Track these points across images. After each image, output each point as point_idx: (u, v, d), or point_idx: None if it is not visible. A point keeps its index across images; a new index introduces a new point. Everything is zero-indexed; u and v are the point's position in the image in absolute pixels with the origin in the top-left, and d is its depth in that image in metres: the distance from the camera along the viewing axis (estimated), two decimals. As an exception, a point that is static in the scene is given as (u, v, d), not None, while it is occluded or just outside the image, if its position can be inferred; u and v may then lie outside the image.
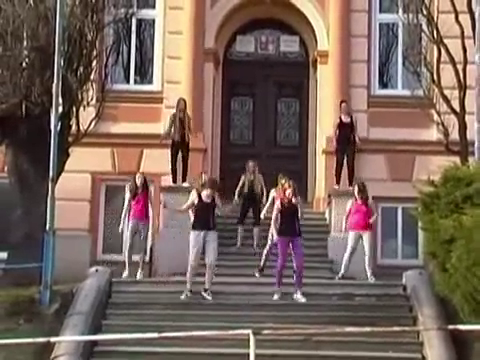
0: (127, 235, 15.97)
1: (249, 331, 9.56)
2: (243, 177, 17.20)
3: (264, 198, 16.81)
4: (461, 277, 11.89)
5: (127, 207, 15.98)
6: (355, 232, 15.61)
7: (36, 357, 12.44)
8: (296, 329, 12.44)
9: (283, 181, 15.56)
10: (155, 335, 10.79)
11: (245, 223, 16.98)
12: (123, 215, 15.99)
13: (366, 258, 15.54)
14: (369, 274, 15.51)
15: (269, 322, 12.97)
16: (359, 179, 16.95)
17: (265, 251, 15.55)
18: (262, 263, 15.51)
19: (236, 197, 17.08)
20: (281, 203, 14.42)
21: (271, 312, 13.79)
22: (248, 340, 9.55)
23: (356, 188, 15.82)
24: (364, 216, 15.60)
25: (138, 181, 16.09)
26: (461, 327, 10.64)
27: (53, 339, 11.69)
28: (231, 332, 10.89)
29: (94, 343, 12.86)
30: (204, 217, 14.16)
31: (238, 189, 17.12)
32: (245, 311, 13.79)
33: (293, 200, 14.36)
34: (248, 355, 9.62)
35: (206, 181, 14.94)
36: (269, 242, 15.46)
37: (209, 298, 14.06)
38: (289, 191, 14.40)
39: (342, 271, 15.61)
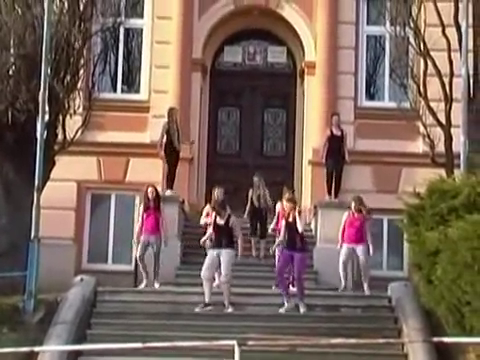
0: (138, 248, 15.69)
1: (234, 342, 9.54)
2: (250, 192, 17.21)
3: (270, 213, 16.86)
4: (446, 289, 11.91)
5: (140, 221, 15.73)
6: (347, 246, 15.60)
7: (19, 366, 12.35)
8: (281, 340, 12.42)
9: (287, 195, 15.61)
10: (139, 345, 10.74)
11: (257, 235, 17.03)
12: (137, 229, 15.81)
13: (362, 273, 15.55)
14: (366, 287, 15.50)
15: (254, 333, 12.94)
16: (341, 192, 16.99)
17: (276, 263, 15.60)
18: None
19: (245, 215, 17.10)
20: (285, 219, 14.55)
21: (256, 323, 13.76)
22: (233, 351, 9.53)
23: (353, 203, 15.78)
24: (358, 230, 15.58)
25: (150, 195, 15.82)
26: (446, 339, 10.65)
27: (37, 349, 11.64)
28: (216, 343, 10.88)
29: (78, 353, 12.79)
30: (219, 237, 14.41)
31: (248, 205, 17.11)
32: (230, 321, 13.77)
33: (291, 215, 14.40)
34: (233, 366, 9.59)
35: (216, 202, 15.14)
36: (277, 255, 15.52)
37: (229, 311, 14.14)
38: (286, 206, 14.54)
39: (342, 284, 15.55)
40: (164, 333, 13.10)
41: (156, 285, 15.56)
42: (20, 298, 14.13)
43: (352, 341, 11.43)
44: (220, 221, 14.48)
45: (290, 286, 14.61)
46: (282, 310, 14.21)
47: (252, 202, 17.09)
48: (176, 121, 17.50)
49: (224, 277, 14.24)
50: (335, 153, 17.67)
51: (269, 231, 16.40)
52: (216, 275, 14.83)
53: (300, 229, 14.44)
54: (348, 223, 15.67)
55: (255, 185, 17.20)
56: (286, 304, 14.24)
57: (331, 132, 17.83)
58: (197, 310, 14.09)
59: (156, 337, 12.42)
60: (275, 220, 16.10)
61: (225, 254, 14.26)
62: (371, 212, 15.95)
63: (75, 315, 13.66)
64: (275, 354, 12.54)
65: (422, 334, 13.17)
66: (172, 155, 17.35)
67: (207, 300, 14.15)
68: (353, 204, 15.73)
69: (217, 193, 15.99)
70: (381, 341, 11.86)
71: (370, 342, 11.71)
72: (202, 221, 15.96)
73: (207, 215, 15.78)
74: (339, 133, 17.82)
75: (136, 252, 15.83)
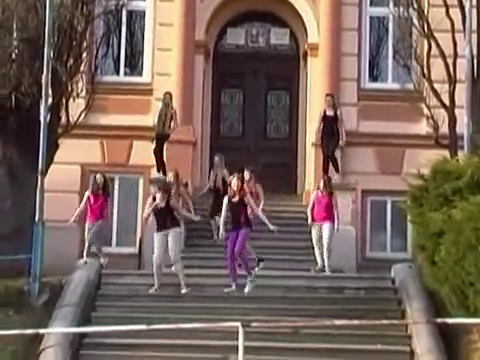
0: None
1: (238, 323, 9.58)
2: (212, 173, 17.26)
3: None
4: (450, 270, 11.93)
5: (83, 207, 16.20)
6: (316, 224, 15.67)
7: (25, 349, 12.41)
8: (285, 322, 12.47)
9: (246, 174, 15.51)
10: (144, 327, 10.79)
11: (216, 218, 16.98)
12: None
13: (324, 249, 15.52)
14: (326, 264, 15.44)
15: (258, 314, 12.98)
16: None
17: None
18: (255, 255, 15.47)
19: (204, 190, 17.15)
20: (228, 198, 14.45)
21: (260, 304, 13.79)
22: (237, 332, 9.56)
23: (321, 180, 15.91)
24: (325, 208, 15.63)
25: (98, 181, 16.22)
26: (449, 320, 10.68)
27: (42, 331, 11.68)
28: (220, 324, 10.93)
29: (83, 335, 12.84)
30: (161, 219, 14.34)
31: (208, 185, 17.18)
32: (234, 303, 13.80)
33: (237, 196, 14.30)
34: (237, 347, 9.63)
35: (161, 183, 15.04)
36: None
37: (184, 291, 14.13)
38: (234, 182, 14.38)
39: (318, 265, 15.59)
40: (168, 315, 13.14)
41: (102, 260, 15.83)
42: (25, 281, 14.18)
43: (355, 322, 11.46)
44: (161, 203, 14.34)
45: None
46: (232, 288, 14.14)
47: (212, 182, 17.04)
48: (168, 105, 17.50)
49: (173, 257, 14.20)
50: (328, 133, 17.63)
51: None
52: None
53: (254, 207, 14.38)
54: (316, 201, 15.71)
55: (215, 165, 17.14)
56: (233, 286, 14.18)
57: (324, 113, 17.80)
58: (150, 292, 14.11)
59: (160, 319, 12.46)
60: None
61: (172, 234, 14.20)
62: (332, 191, 15.94)
63: (80, 298, 13.71)
64: (279, 336, 12.61)
65: (426, 315, 13.20)
66: (158, 138, 17.36)
67: (158, 284, 14.19)
68: (321, 182, 15.83)
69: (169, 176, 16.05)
70: (385, 322, 11.87)
71: (374, 323, 11.74)
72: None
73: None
74: (332, 113, 17.77)
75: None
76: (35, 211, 14.42)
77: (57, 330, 12.65)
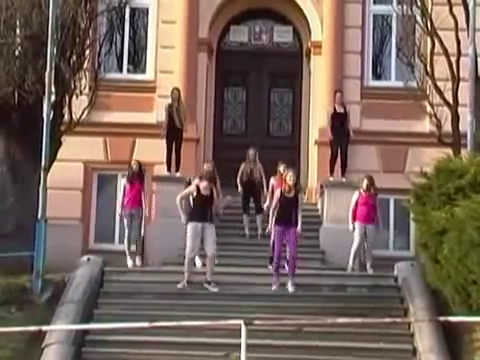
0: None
1: (241, 321, 9.58)
2: (243, 165, 17.13)
3: (264, 187, 16.77)
4: (452, 268, 11.93)
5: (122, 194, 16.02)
6: (361, 225, 15.58)
7: (27, 346, 12.44)
8: (287, 320, 12.47)
9: (282, 169, 15.54)
10: (146, 324, 10.80)
11: (249, 212, 16.89)
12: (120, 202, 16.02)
13: (367, 250, 15.55)
14: (368, 266, 15.53)
15: (261, 312, 12.99)
16: (348, 172, 16.98)
17: (271, 242, 15.56)
18: (272, 254, 15.49)
19: (239, 187, 16.97)
20: (281, 192, 14.35)
21: (263, 302, 13.81)
22: (240, 330, 9.57)
23: (365, 181, 15.75)
24: (370, 209, 15.57)
25: (134, 167, 16.06)
26: (452, 319, 10.70)
27: (45, 328, 11.68)
28: (223, 322, 10.93)
29: (86, 332, 12.86)
30: (201, 209, 14.11)
31: (238, 178, 17.02)
32: (237, 301, 13.81)
33: (293, 192, 14.26)
34: (239, 345, 9.64)
35: (204, 173, 14.82)
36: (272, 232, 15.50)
37: (214, 289, 14.04)
38: (289, 178, 14.25)
39: (350, 263, 15.56)
40: (171, 312, 13.15)
41: (138, 262, 15.70)
42: (28, 278, 14.20)
43: (358, 321, 11.46)
44: (204, 192, 14.15)
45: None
46: (274, 288, 14.13)
47: (242, 174, 16.89)
48: (179, 101, 17.47)
49: (213, 253, 14.03)
50: (339, 131, 17.60)
51: (264, 208, 16.27)
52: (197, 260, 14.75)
53: (300, 207, 14.33)
54: (361, 202, 15.62)
55: (250, 158, 17.06)
56: (276, 285, 14.18)
57: (334, 110, 17.78)
58: (179, 286, 14.05)
59: (163, 317, 12.48)
60: (269, 196, 15.98)
61: (210, 229, 14.04)
62: (377, 191, 15.94)
63: (82, 295, 13.73)
64: (281, 334, 12.61)
65: (428, 313, 13.21)
66: (175, 136, 17.33)
67: (188, 278, 14.08)
68: (365, 182, 15.69)
69: (206, 167, 15.83)
70: (387, 320, 11.88)
71: (376, 321, 11.77)
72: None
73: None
74: (342, 110, 17.75)
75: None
76: (38, 208, 14.43)
77: (60, 327, 12.66)
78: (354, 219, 15.65)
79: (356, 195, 15.78)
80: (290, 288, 14.14)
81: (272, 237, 14.87)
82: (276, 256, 14.23)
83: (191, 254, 14.13)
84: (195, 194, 14.28)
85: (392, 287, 14.66)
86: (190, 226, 14.13)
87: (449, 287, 12.21)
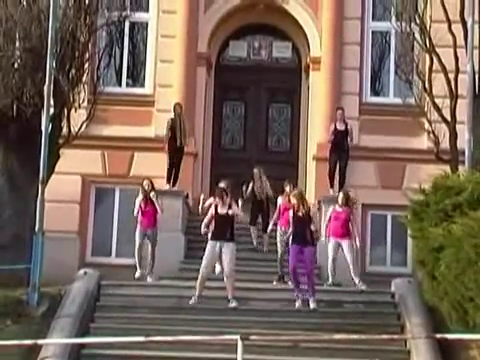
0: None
1: (237, 336, 9.56)
2: (251, 184, 17.13)
3: (272, 203, 16.81)
4: (449, 285, 11.91)
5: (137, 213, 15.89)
6: (334, 240, 15.60)
7: (23, 359, 12.37)
8: (284, 335, 12.44)
9: (288, 189, 15.58)
10: (142, 339, 10.77)
11: (257, 227, 16.98)
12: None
13: (350, 267, 15.47)
14: (357, 282, 15.48)
15: (258, 328, 12.96)
16: (345, 187, 17.00)
17: (278, 258, 15.58)
18: (280, 271, 15.52)
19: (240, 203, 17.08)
20: (294, 212, 14.40)
21: (259, 318, 13.78)
22: (236, 345, 9.54)
23: (341, 195, 15.81)
24: (343, 224, 15.57)
25: (146, 187, 15.91)
26: (449, 336, 10.66)
27: (40, 341, 11.66)
28: (219, 337, 10.90)
29: (81, 346, 12.82)
30: (222, 229, 14.05)
31: (247, 194, 17.03)
32: (233, 316, 13.78)
33: (302, 210, 14.29)
34: (236, 360, 9.61)
35: (219, 191, 14.61)
36: (279, 250, 15.50)
37: (234, 305, 13.98)
38: (294, 197, 14.36)
39: (330, 279, 15.59)
40: (167, 327, 13.12)
41: (149, 279, 15.62)
42: (24, 291, 14.16)
43: (355, 337, 11.44)
44: (222, 211, 14.15)
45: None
46: (298, 304, 14.08)
47: (254, 193, 16.97)
48: (180, 116, 17.52)
49: (228, 272, 14.04)
50: (339, 147, 17.67)
51: (270, 226, 16.30)
52: (217, 265, 14.70)
53: (313, 225, 14.35)
54: (333, 216, 15.66)
55: (256, 176, 17.14)
56: (299, 301, 14.12)
57: (335, 126, 17.82)
58: (190, 302, 14.01)
59: (159, 331, 12.44)
60: (276, 215, 16.02)
61: (229, 248, 14.03)
62: (356, 205, 15.88)
63: (78, 308, 13.69)
64: (278, 349, 12.57)
65: (425, 330, 13.17)
66: (176, 151, 17.36)
67: (199, 293, 14.03)
68: (340, 197, 15.73)
69: (222, 183, 15.76)
70: (384, 337, 11.87)
71: (373, 338, 11.74)
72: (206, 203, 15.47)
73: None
74: (343, 127, 17.80)
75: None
76: (35, 221, 14.41)
77: (55, 341, 12.61)
78: (328, 234, 15.66)
79: (330, 210, 15.82)
80: (312, 304, 14.05)
81: (279, 255, 15.21)
82: (292, 274, 14.17)
83: (204, 271, 14.05)
84: (213, 213, 14.17)
85: (389, 303, 14.63)
86: (209, 244, 14.12)
87: (446, 304, 12.19)
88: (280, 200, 16.07)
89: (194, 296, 14.03)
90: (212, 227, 14.32)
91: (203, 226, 14.46)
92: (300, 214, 14.30)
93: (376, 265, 18.55)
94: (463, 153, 15.03)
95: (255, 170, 17.23)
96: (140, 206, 15.81)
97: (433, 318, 13.42)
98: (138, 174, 18.43)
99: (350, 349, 12.70)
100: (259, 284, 15.02)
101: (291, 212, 14.49)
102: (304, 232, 14.22)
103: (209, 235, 14.29)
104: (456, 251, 11.72)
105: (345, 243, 15.48)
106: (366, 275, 17.86)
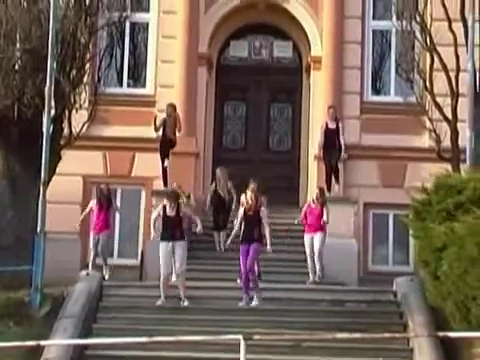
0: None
1: (240, 336, 9.55)
2: (213, 185, 17.27)
3: (234, 203, 16.85)
4: (452, 285, 11.90)
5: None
6: (308, 235, 15.70)
7: (26, 360, 12.38)
8: (286, 335, 12.43)
9: (252, 186, 15.56)
10: (145, 339, 10.76)
11: (221, 228, 16.98)
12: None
13: (315, 255, 15.54)
14: (318, 269, 15.47)
15: (260, 327, 12.95)
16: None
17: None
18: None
19: (207, 207, 17.21)
20: (244, 211, 14.45)
21: (262, 317, 13.76)
22: (239, 345, 9.54)
23: (316, 191, 16.01)
24: (316, 218, 15.67)
25: (105, 192, 16.41)
26: (451, 334, 10.64)
27: (43, 342, 11.65)
28: (222, 337, 10.89)
29: (84, 347, 12.81)
30: (170, 229, 14.25)
31: (209, 196, 17.20)
32: (235, 316, 13.78)
33: (252, 209, 14.30)
34: (239, 360, 9.60)
35: (169, 192, 14.99)
36: None
37: (185, 304, 14.10)
38: (249, 196, 14.41)
39: (311, 277, 15.61)
40: (170, 327, 13.12)
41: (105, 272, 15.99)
42: (26, 292, 14.16)
43: (357, 336, 11.42)
44: (171, 213, 14.30)
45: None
46: (242, 304, 14.09)
47: (217, 194, 17.01)
48: (172, 115, 17.47)
49: (179, 269, 14.16)
50: (330, 146, 17.62)
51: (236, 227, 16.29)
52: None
53: (265, 224, 14.35)
54: (308, 212, 15.73)
55: (218, 177, 17.15)
56: (244, 301, 14.13)
57: (326, 125, 17.79)
58: (158, 304, 14.07)
59: (162, 331, 12.43)
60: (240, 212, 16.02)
61: (179, 246, 14.20)
62: (325, 201, 15.92)
63: (81, 309, 13.68)
64: (280, 349, 12.57)
65: (428, 329, 13.15)
66: (166, 147, 17.36)
67: (164, 295, 14.16)
68: (315, 193, 15.94)
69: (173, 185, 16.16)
70: (387, 336, 11.85)
71: (376, 337, 11.72)
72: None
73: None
74: (334, 126, 17.76)
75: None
76: (37, 222, 14.41)
77: (58, 342, 12.62)
78: (303, 230, 15.77)
79: (306, 206, 15.93)
80: (254, 302, 14.08)
81: None
82: (243, 273, 14.20)
83: (164, 272, 14.20)
84: (162, 214, 14.37)
85: (391, 302, 14.62)
86: (161, 246, 14.29)
87: (449, 303, 12.18)
88: (243, 197, 16.07)
89: (160, 298, 14.11)
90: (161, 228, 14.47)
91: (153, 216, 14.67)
92: (250, 213, 14.33)
93: (378, 264, 18.54)
94: (464, 151, 15.03)
95: (218, 171, 17.26)
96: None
97: (436, 317, 13.40)
98: (139, 174, 18.47)
99: (353, 348, 12.70)
100: (260, 284, 14.98)
101: (241, 211, 14.53)
102: (252, 231, 14.25)
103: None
104: (459, 250, 11.71)
105: (317, 234, 15.59)
106: (368, 274, 17.90)
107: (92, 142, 18.19)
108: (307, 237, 15.72)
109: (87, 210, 16.55)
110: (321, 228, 15.66)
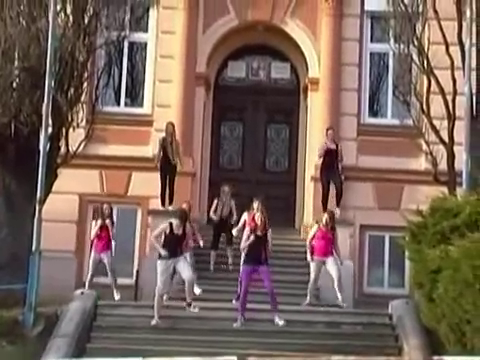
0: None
1: (234, 357, 9.52)
2: (215, 202, 17.23)
3: (233, 221, 16.85)
4: (447, 307, 11.89)
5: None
6: (319, 259, 15.63)
7: (18, 379, 12.34)
8: (281, 356, 12.39)
9: (255, 205, 15.57)
10: (139, 359, 10.72)
11: (219, 248, 16.96)
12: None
13: (335, 282, 15.51)
14: (340, 298, 15.45)
15: (255, 349, 12.91)
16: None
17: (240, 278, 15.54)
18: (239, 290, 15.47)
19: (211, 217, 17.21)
20: (251, 231, 14.44)
21: (256, 338, 13.72)
22: (233, 366, 9.51)
23: (326, 215, 15.89)
24: (327, 243, 15.63)
25: (105, 212, 16.41)
26: (446, 358, 10.62)
27: (36, 362, 11.60)
28: (217, 358, 10.85)
29: (78, 366, 12.77)
30: (173, 247, 14.24)
31: (212, 213, 17.18)
32: (229, 337, 13.74)
33: (261, 230, 14.33)
34: (232, 381, 9.57)
35: (177, 211, 15.01)
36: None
37: (196, 310, 14.08)
38: (258, 216, 14.46)
39: (308, 299, 15.57)
40: (164, 348, 13.05)
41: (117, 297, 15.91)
42: (20, 311, 14.10)
43: (352, 358, 11.39)
44: (177, 231, 14.31)
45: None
46: (236, 325, 14.08)
47: (218, 212, 17.00)
48: (172, 135, 17.55)
49: (188, 277, 14.17)
50: (329, 167, 17.65)
51: (234, 234, 16.30)
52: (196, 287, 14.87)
53: (270, 245, 14.39)
54: (319, 236, 15.69)
55: (223, 194, 17.12)
56: (240, 321, 14.12)
57: (326, 145, 17.80)
58: (152, 323, 14.04)
59: (156, 352, 12.39)
60: (240, 226, 16.02)
61: (182, 259, 14.25)
62: (335, 227, 15.90)
63: (75, 328, 13.63)
64: (275, 370, 12.52)
65: (423, 352, 13.13)
66: (169, 169, 17.40)
67: (158, 315, 14.12)
68: (325, 217, 15.82)
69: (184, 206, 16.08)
70: (382, 359, 11.81)
71: (371, 359, 11.67)
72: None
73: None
74: (333, 147, 17.80)
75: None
76: (32, 240, 14.37)
77: (51, 361, 12.56)
78: (312, 253, 15.69)
79: (315, 229, 15.88)
80: (280, 322, 14.07)
81: (240, 274, 14.94)
82: (243, 294, 14.19)
83: (161, 291, 14.22)
84: (167, 232, 14.38)
85: (386, 325, 14.59)
86: (160, 264, 14.27)
87: (444, 326, 12.16)
88: (245, 215, 16.06)
89: (155, 318, 14.06)
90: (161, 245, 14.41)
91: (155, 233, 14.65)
92: (259, 233, 14.33)
93: (374, 286, 18.51)
94: (461, 174, 15.05)
95: (225, 188, 17.21)
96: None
97: (431, 340, 13.37)
98: (136, 194, 18.45)
99: (347, 371, 12.65)
100: (256, 305, 14.95)
101: (248, 230, 14.46)
102: (259, 252, 14.25)
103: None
104: (454, 273, 11.70)
105: (329, 259, 15.55)
106: (364, 296, 17.86)
107: (89, 161, 18.19)
108: (317, 261, 15.63)
109: (96, 229, 16.34)
110: (332, 253, 15.60)
